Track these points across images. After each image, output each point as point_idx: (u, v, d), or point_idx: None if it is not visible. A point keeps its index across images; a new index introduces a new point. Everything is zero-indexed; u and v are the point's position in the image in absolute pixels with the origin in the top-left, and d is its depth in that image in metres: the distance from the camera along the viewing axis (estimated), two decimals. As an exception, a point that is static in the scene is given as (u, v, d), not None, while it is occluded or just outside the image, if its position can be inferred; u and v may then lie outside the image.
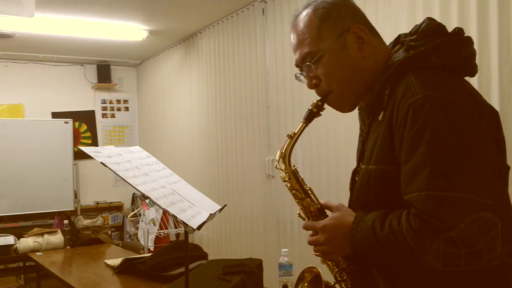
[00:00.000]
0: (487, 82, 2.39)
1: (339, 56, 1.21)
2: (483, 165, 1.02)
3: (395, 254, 1.06)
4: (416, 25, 1.19)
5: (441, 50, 1.12)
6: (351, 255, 1.21)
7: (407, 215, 1.04)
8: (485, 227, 0.99)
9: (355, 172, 1.29)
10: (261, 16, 4.17)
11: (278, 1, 3.96)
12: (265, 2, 4.12)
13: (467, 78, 1.17)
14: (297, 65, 1.30)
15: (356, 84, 1.23)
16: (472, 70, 1.18)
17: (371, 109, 1.20)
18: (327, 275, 1.32)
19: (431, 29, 1.15)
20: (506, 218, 1.06)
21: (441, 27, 1.16)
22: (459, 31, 1.17)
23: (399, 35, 1.25)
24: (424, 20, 1.18)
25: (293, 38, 1.28)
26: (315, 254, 1.26)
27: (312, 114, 1.28)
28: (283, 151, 1.31)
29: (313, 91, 1.30)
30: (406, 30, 1.24)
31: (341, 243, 1.18)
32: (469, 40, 1.17)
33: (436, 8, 2.65)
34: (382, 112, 1.15)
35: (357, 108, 1.31)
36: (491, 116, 1.11)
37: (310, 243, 1.25)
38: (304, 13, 1.25)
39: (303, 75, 1.30)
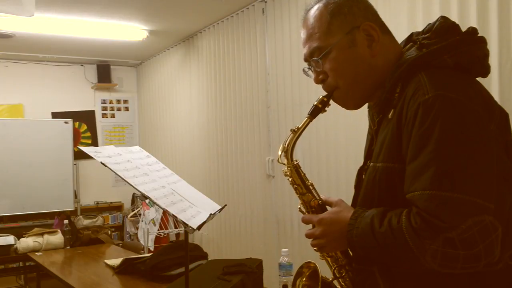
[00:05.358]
0: (487, 82, 2.39)
1: (348, 53, 1.20)
2: (488, 168, 1.01)
3: (392, 252, 1.05)
4: (429, 23, 1.18)
5: (454, 49, 1.11)
6: (354, 254, 1.21)
7: (408, 214, 1.03)
8: (485, 231, 0.98)
9: (361, 170, 1.28)
10: (261, 16, 4.17)
11: (278, 1, 3.96)
12: (265, 2, 4.12)
13: (479, 79, 1.16)
14: (305, 60, 1.29)
15: (362, 81, 1.22)
16: (485, 71, 1.17)
17: (381, 107, 1.19)
18: (326, 271, 1.32)
19: (444, 27, 1.14)
20: (509, 222, 1.05)
21: (455, 26, 1.15)
22: (473, 30, 1.15)
23: (412, 33, 1.24)
24: (438, 18, 1.17)
25: (303, 32, 1.27)
26: (315, 250, 1.27)
27: (317, 110, 1.27)
28: (286, 145, 1.31)
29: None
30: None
31: (336, 238, 1.18)
32: (482, 40, 1.15)
33: (436, 8, 2.65)
34: (392, 110, 1.14)
35: (366, 106, 1.30)
36: (501, 118, 1.10)
37: (306, 235, 1.25)
38: (316, 7, 1.24)
39: (311, 70, 1.29)
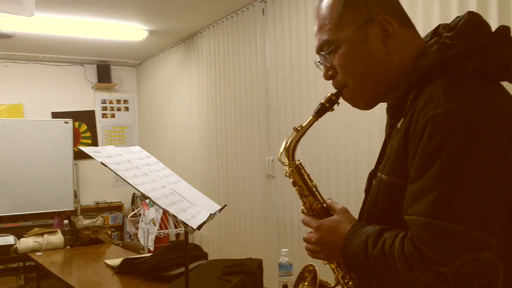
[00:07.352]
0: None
1: (358, 49, 1.09)
2: (496, 199, 0.90)
3: (382, 275, 1.00)
4: (458, 17, 1.06)
5: (478, 55, 0.98)
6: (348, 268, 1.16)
7: (402, 238, 0.96)
8: (483, 269, 0.89)
9: (372, 175, 1.19)
10: (261, 16, 4.17)
11: (278, 1, 3.96)
12: (265, 2, 4.12)
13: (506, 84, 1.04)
14: (316, 52, 1.18)
15: (374, 81, 1.11)
16: None
17: (393, 112, 1.10)
18: (331, 275, 1.31)
19: (470, 27, 1.02)
20: None
21: (482, 25, 1.02)
22: (503, 31, 1.02)
23: (439, 25, 1.12)
24: (464, 14, 1.04)
25: (315, 22, 1.16)
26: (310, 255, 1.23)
27: (324, 109, 1.19)
28: (288, 144, 1.22)
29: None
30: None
31: (331, 248, 1.13)
32: None
33: (436, 8, 2.65)
34: (402, 119, 1.04)
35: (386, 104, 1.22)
36: None
37: (304, 239, 1.21)
38: None
39: (322, 64, 1.19)
